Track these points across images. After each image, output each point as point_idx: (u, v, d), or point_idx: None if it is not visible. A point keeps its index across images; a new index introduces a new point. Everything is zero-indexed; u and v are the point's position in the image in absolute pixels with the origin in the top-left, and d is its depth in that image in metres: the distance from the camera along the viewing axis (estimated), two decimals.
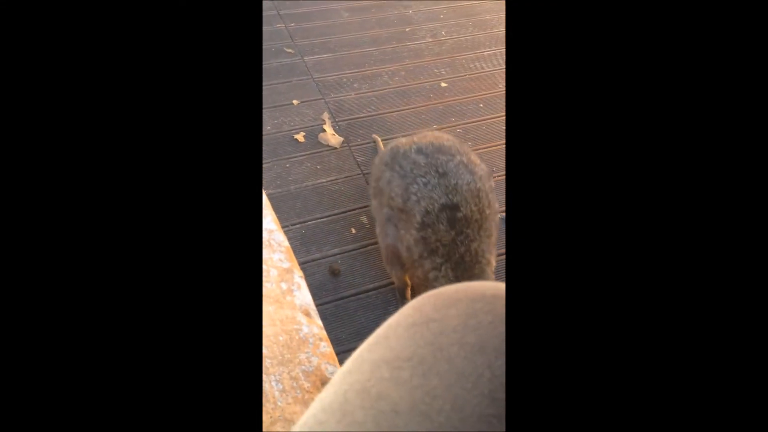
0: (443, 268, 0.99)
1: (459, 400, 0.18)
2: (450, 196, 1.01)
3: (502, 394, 0.18)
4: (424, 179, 1.04)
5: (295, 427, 0.26)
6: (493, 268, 1.04)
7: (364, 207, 1.43)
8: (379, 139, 1.60)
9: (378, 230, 1.17)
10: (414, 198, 1.04)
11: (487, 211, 1.03)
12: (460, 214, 0.99)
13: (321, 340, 0.51)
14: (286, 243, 0.62)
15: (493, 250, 1.05)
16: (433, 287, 1.03)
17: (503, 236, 1.36)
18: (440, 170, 1.04)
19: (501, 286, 0.24)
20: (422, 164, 1.05)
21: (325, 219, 1.41)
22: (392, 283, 1.25)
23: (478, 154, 1.62)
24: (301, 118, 1.71)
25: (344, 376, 0.22)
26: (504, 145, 1.66)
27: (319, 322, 0.52)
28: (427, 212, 1.01)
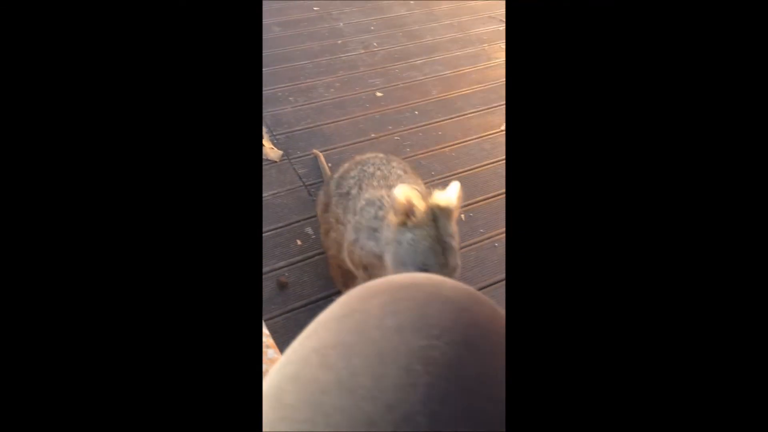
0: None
1: (378, 374, 0.20)
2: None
3: (417, 366, 0.20)
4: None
5: None
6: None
7: (309, 218, 1.44)
8: (320, 154, 1.62)
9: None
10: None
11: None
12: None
13: (268, 347, 0.52)
14: None
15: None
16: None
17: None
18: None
19: (422, 276, 0.27)
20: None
21: (269, 233, 1.41)
22: (340, 292, 1.27)
23: (417, 159, 1.67)
24: None
25: (278, 369, 0.24)
26: (439, 150, 1.72)
27: (266, 330, 0.54)
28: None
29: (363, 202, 1.05)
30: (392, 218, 0.92)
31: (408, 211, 0.89)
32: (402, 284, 0.25)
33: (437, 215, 0.90)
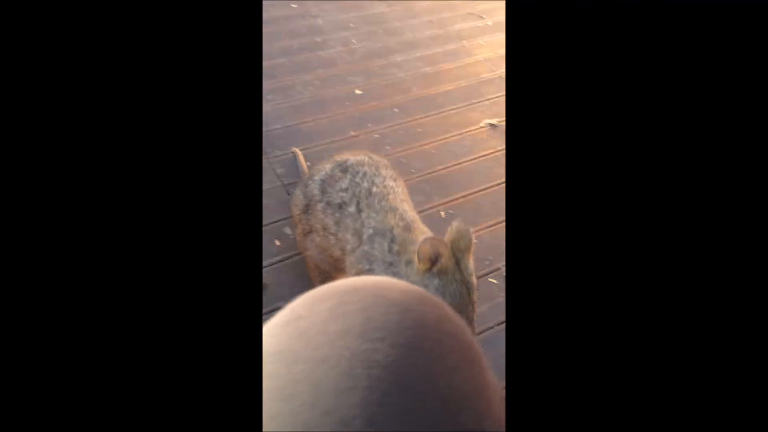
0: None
1: (318, 380, 0.20)
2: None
3: (358, 369, 0.20)
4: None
5: None
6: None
7: (287, 218, 1.43)
8: (300, 152, 1.60)
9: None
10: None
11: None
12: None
13: None
14: None
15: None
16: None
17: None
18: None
19: (370, 279, 0.26)
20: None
21: None
22: None
23: (397, 157, 1.66)
24: None
25: None
26: (420, 147, 1.71)
27: None
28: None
29: (370, 231, 1.05)
30: (417, 264, 0.95)
31: (433, 259, 0.92)
32: (349, 289, 0.25)
33: (458, 258, 0.93)
